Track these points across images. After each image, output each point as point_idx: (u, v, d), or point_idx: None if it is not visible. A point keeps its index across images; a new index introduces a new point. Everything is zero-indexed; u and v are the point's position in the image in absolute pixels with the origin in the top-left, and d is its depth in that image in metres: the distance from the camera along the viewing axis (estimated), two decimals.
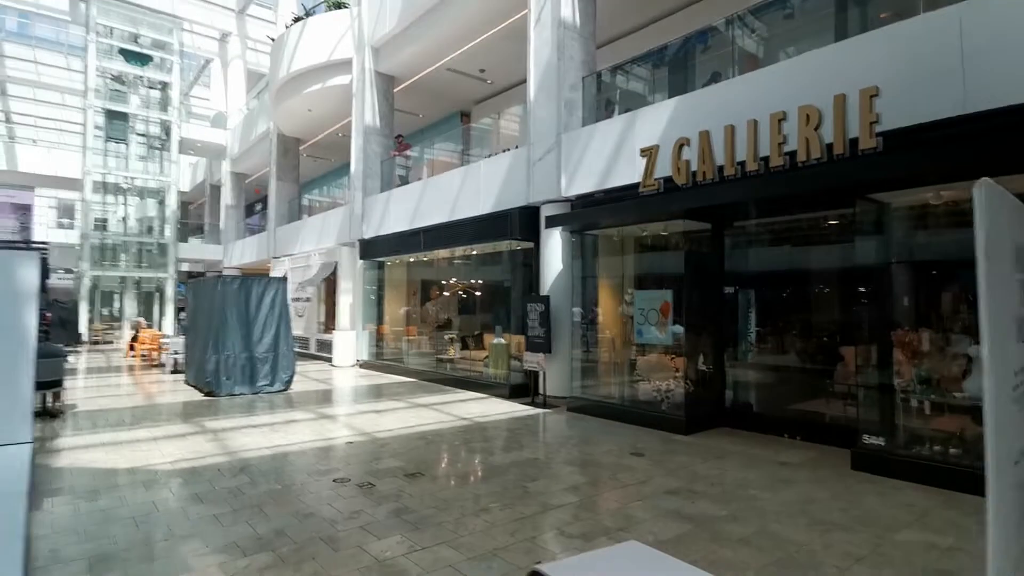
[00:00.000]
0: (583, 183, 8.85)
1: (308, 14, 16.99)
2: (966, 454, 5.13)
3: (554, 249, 9.47)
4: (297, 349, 12.83)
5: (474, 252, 12.73)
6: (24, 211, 31.67)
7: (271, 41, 18.56)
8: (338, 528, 4.12)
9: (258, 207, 27.36)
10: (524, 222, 9.91)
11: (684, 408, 7.30)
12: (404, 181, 14.45)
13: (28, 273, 2.33)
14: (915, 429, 5.68)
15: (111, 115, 23.05)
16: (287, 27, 16.91)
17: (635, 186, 7.77)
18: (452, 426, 7.74)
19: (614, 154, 8.38)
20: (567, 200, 9.24)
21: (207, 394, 10.12)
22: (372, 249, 14.56)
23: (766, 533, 4.04)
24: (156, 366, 14.41)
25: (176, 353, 13.11)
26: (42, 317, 11.39)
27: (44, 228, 30.95)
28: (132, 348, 16.52)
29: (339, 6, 15.97)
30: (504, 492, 4.93)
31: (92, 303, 22.62)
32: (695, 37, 8.52)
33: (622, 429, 7.49)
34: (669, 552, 2.40)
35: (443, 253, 13.50)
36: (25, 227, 30.85)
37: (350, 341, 14.89)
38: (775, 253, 8.25)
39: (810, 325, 7.81)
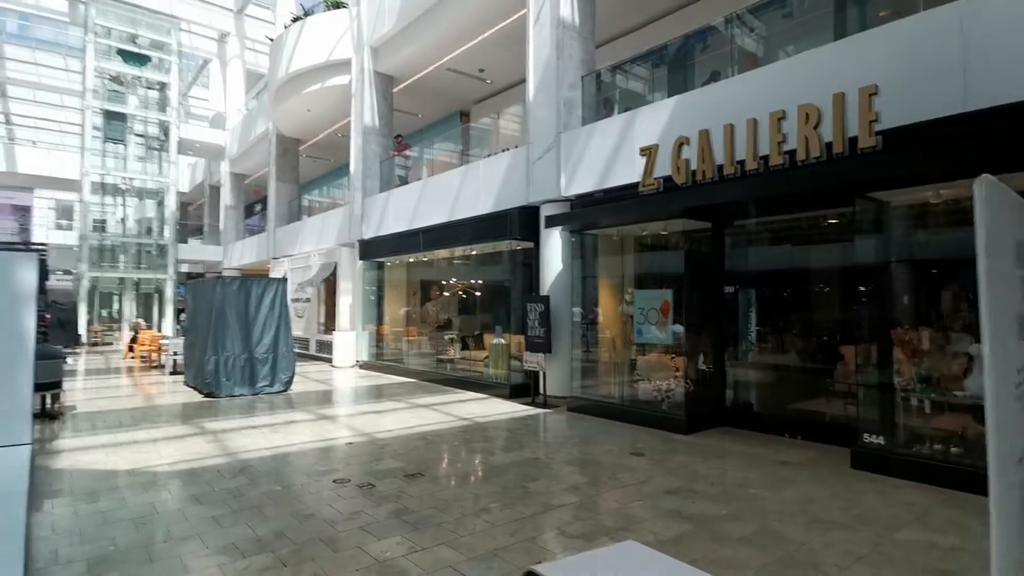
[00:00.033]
0: (583, 182, 8.84)
1: (307, 14, 16.99)
2: (967, 453, 5.13)
3: (554, 249, 9.47)
4: (297, 350, 12.81)
5: (474, 252, 12.72)
6: (23, 213, 31.65)
7: (270, 41, 18.56)
8: (338, 529, 4.11)
9: (257, 208, 27.32)
10: (524, 222, 9.90)
11: (684, 408, 7.30)
12: (403, 181, 14.43)
13: (27, 274, 2.33)
14: (915, 428, 5.68)
15: (109, 116, 23.00)
16: (286, 27, 16.90)
17: (635, 185, 7.76)
18: (452, 426, 7.74)
19: (613, 153, 8.37)
20: (567, 200, 9.24)
21: (207, 395, 10.12)
22: (372, 249, 14.55)
23: (766, 532, 4.03)
24: (155, 367, 14.39)
25: (175, 354, 13.09)
26: (41, 318, 11.37)
27: (43, 229, 30.91)
28: (131, 349, 16.51)
29: (338, 6, 15.95)
30: (504, 492, 4.92)
31: (91, 304, 22.59)
32: (694, 36, 8.53)
33: (622, 429, 7.49)
34: (670, 552, 2.39)
35: (443, 253, 13.49)
36: (24, 229, 30.84)
37: (350, 342, 14.88)
38: (775, 252, 8.24)
39: (810, 324, 7.81)
